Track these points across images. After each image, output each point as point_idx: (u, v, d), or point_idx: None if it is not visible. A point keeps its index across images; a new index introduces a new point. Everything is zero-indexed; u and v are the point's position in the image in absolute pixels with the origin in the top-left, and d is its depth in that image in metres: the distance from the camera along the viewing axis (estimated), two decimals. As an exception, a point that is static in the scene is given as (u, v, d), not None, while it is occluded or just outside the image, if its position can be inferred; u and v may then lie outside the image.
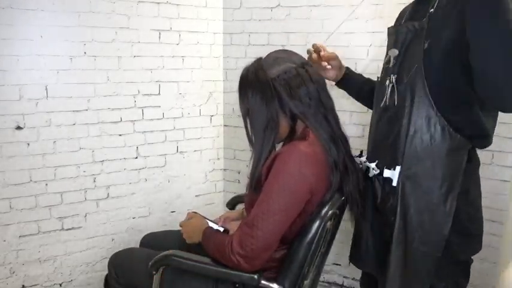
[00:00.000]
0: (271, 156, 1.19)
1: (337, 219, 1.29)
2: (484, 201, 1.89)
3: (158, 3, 2.12)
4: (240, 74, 1.27)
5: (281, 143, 1.32)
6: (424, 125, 1.15)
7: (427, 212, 1.18)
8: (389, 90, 1.23)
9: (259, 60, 1.26)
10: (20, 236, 1.92)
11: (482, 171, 1.83)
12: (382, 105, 1.26)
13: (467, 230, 1.24)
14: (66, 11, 1.88)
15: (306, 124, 1.22)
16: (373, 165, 1.28)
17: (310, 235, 1.17)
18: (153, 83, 2.16)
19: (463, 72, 1.09)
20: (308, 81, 1.21)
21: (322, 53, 1.49)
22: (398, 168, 1.20)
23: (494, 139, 1.75)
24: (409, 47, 1.21)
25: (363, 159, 1.36)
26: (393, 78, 1.22)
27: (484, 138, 1.20)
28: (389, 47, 1.30)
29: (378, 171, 1.26)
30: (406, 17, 1.31)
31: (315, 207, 1.20)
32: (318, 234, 1.17)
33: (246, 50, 2.32)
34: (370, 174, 1.30)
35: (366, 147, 1.40)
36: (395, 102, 1.21)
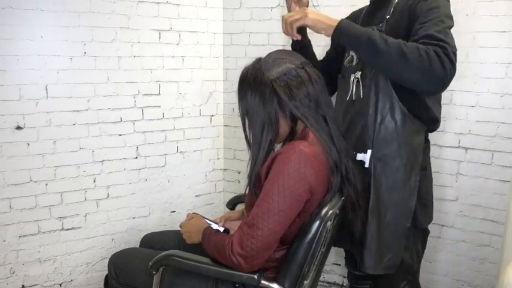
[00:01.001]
0: (271, 156, 1.19)
1: (337, 219, 1.29)
2: (484, 201, 1.90)
3: (158, 3, 2.12)
4: (240, 74, 1.27)
5: (281, 143, 1.32)
6: (389, 113, 1.35)
7: (396, 188, 1.38)
8: (354, 85, 1.41)
9: (258, 61, 1.26)
10: (20, 236, 1.92)
11: (482, 171, 1.85)
12: (348, 98, 1.44)
13: (426, 200, 1.48)
14: (66, 11, 1.88)
15: (306, 125, 1.22)
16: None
17: (310, 235, 1.18)
18: (153, 83, 2.16)
19: None
20: (307, 82, 1.21)
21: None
22: (369, 151, 1.38)
23: (494, 139, 1.77)
24: None
25: None
26: (358, 74, 1.40)
27: (435, 122, 1.43)
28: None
29: None
30: (362, 21, 1.49)
31: (314, 207, 1.20)
32: (318, 234, 1.17)
33: (246, 50, 2.32)
34: None
35: None
36: (361, 95, 1.39)
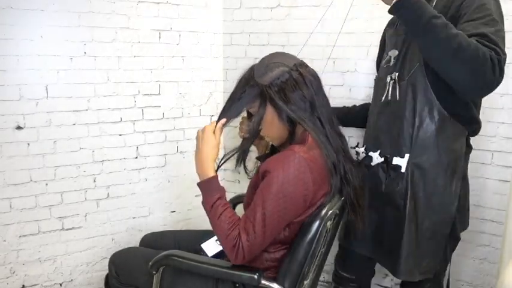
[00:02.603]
0: (270, 160, 1.19)
1: (337, 219, 1.29)
2: (484, 201, 1.90)
3: (158, 3, 2.12)
4: (237, 80, 1.28)
5: (281, 145, 1.32)
6: (428, 117, 1.30)
7: (436, 194, 1.34)
8: (390, 86, 1.37)
9: (251, 68, 1.26)
10: (20, 236, 1.92)
11: (482, 171, 1.85)
12: (383, 99, 1.39)
13: (463, 207, 1.45)
14: (66, 11, 1.88)
15: (304, 127, 1.22)
16: (376, 154, 1.42)
17: (310, 235, 1.18)
18: (153, 83, 2.16)
19: None
20: (302, 85, 1.21)
21: None
22: (407, 156, 1.34)
23: (494, 139, 1.77)
24: (409, 48, 1.33)
25: (361, 149, 1.48)
26: (395, 75, 1.36)
27: (476, 124, 1.38)
28: (389, 48, 1.43)
29: (382, 159, 1.40)
30: (401, 26, 1.42)
31: (314, 209, 1.20)
32: (318, 234, 1.17)
33: (246, 50, 2.32)
34: (373, 163, 1.42)
35: (363, 139, 1.51)
36: (398, 97, 1.35)
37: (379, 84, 1.46)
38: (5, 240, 1.89)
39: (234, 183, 2.46)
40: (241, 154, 1.31)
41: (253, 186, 1.23)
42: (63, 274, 2.06)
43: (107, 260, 1.52)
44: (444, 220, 1.38)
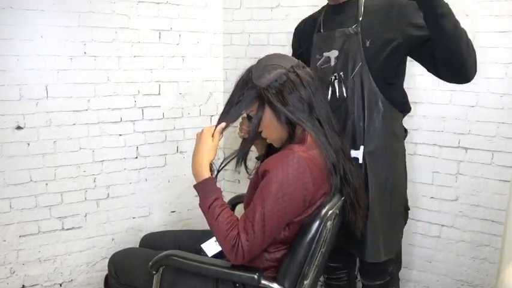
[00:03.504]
0: (269, 159, 1.19)
1: (337, 219, 1.29)
2: (484, 201, 1.90)
3: (158, 3, 2.12)
4: (235, 82, 1.28)
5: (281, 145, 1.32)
6: (375, 109, 1.42)
7: (390, 177, 1.46)
8: (336, 85, 1.46)
9: (249, 70, 1.26)
10: (20, 236, 1.92)
11: (482, 171, 1.85)
12: (330, 97, 1.47)
13: (406, 182, 1.58)
14: (66, 11, 1.88)
15: (303, 128, 1.22)
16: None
17: (310, 235, 1.17)
18: (153, 83, 2.16)
19: (403, 61, 1.45)
20: (299, 86, 1.21)
21: None
22: (361, 147, 1.44)
23: (494, 139, 1.77)
24: (349, 48, 1.43)
25: None
26: (341, 74, 1.45)
27: (408, 107, 1.55)
28: (324, 49, 1.51)
29: None
30: (324, 23, 1.54)
31: (314, 209, 1.20)
32: (318, 234, 1.17)
33: (246, 50, 2.32)
34: None
35: None
36: (345, 94, 1.44)
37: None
38: (5, 240, 1.89)
39: (234, 183, 2.46)
40: (241, 155, 1.31)
41: (253, 186, 1.23)
42: (63, 274, 2.06)
43: (107, 260, 1.52)
44: (401, 200, 1.53)
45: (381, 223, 1.46)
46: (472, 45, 1.28)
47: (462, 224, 1.93)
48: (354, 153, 1.44)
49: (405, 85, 2.00)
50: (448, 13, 1.21)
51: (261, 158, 1.46)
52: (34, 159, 1.90)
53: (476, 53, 1.30)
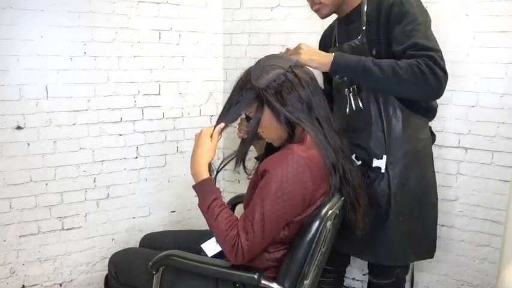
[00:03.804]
0: (269, 159, 1.19)
1: (337, 219, 1.29)
2: (484, 201, 1.90)
3: (158, 3, 2.12)
4: (234, 83, 1.28)
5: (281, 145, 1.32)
6: (393, 117, 1.42)
7: (418, 184, 1.46)
8: (351, 98, 1.47)
9: (248, 71, 1.26)
10: (20, 236, 1.92)
11: (482, 171, 1.85)
12: (348, 111, 1.49)
13: (435, 188, 1.58)
14: (66, 11, 1.88)
15: (302, 128, 1.22)
16: (352, 157, 1.48)
17: (310, 235, 1.18)
18: (153, 83, 2.16)
19: None
20: (298, 86, 1.21)
21: None
22: (385, 157, 1.44)
23: (494, 139, 1.77)
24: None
25: None
26: (354, 87, 1.46)
27: (433, 111, 1.52)
28: None
29: (360, 162, 1.48)
30: (338, 38, 1.56)
31: (314, 208, 1.20)
32: (318, 234, 1.17)
33: (246, 50, 2.32)
34: None
35: None
36: (361, 106, 1.45)
37: (339, 98, 1.56)
38: (5, 240, 1.89)
39: (234, 183, 2.46)
40: (240, 156, 1.32)
41: (253, 186, 1.23)
42: (63, 274, 2.06)
43: (107, 260, 1.52)
44: (428, 206, 1.52)
45: (406, 231, 1.47)
46: (403, 73, 1.27)
47: (462, 224, 1.93)
48: (376, 162, 1.45)
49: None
50: (367, 71, 1.29)
51: (260, 158, 1.46)
52: (34, 159, 1.90)
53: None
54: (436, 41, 1.35)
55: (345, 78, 1.49)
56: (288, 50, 1.39)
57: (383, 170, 1.44)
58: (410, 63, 1.27)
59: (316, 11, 1.48)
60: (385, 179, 1.45)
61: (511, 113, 1.77)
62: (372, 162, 1.45)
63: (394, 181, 1.44)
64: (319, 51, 1.40)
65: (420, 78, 1.26)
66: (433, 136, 1.58)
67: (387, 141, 1.43)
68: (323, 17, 1.50)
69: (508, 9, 1.72)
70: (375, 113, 1.44)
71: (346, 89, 1.49)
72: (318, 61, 1.34)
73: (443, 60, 1.30)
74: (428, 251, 1.57)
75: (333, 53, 1.35)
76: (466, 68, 1.82)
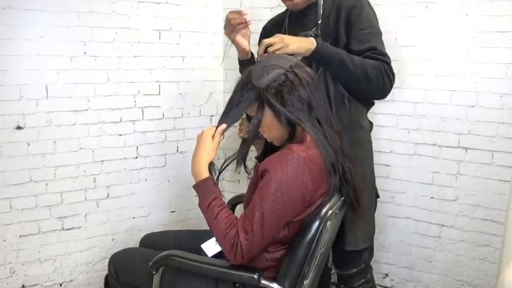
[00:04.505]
0: (269, 159, 1.19)
1: (337, 219, 1.29)
2: (484, 201, 1.90)
3: (158, 3, 2.12)
4: (236, 83, 1.28)
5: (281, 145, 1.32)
6: (341, 106, 1.51)
7: (362, 166, 1.52)
8: None
9: (249, 71, 1.26)
10: (20, 236, 1.92)
11: (482, 171, 1.85)
12: None
13: (373, 171, 1.68)
14: (66, 11, 1.88)
15: (303, 128, 1.22)
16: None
17: (310, 235, 1.17)
18: (153, 83, 2.16)
19: None
20: (298, 86, 1.21)
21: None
22: None
23: (494, 139, 1.77)
24: None
25: None
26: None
27: (372, 104, 1.65)
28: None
29: None
30: (289, 27, 1.62)
31: (314, 208, 1.20)
32: (318, 234, 1.17)
33: (246, 50, 2.32)
34: None
35: None
36: None
37: None
38: (5, 240, 1.89)
39: (234, 183, 2.46)
40: (241, 156, 1.32)
41: (253, 186, 1.23)
42: (63, 274, 2.06)
43: (107, 260, 1.52)
44: (371, 188, 1.64)
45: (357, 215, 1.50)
46: (370, 71, 1.40)
47: (462, 224, 1.93)
48: None
49: (405, 85, 2.00)
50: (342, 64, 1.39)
51: (259, 158, 1.46)
52: (34, 159, 1.90)
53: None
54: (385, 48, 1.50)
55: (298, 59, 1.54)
56: (272, 52, 1.37)
57: None
58: (375, 65, 1.41)
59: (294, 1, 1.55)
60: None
61: (511, 113, 1.78)
62: None
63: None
64: (300, 37, 1.44)
65: (381, 80, 1.41)
66: (371, 124, 1.68)
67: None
68: (295, 7, 1.56)
69: (508, 9, 1.72)
70: (325, 101, 1.48)
71: None
72: (303, 47, 1.38)
73: (392, 68, 1.46)
74: (369, 237, 1.64)
75: (315, 40, 1.40)
76: (466, 68, 1.82)
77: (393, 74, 1.45)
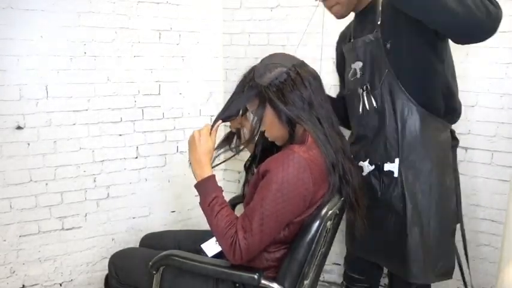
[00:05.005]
0: (270, 159, 1.19)
1: (337, 219, 1.29)
2: (484, 201, 1.90)
3: (158, 3, 2.12)
4: (238, 79, 1.29)
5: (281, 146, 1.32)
6: (409, 118, 1.33)
7: (433, 192, 1.34)
8: (365, 97, 1.39)
9: (252, 69, 1.27)
10: (20, 236, 1.92)
11: (482, 171, 1.85)
12: (361, 111, 1.42)
13: (458, 199, 1.46)
14: (66, 11, 1.88)
15: (303, 127, 1.22)
16: (366, 163, 1.42)
17: (310, 235, 1.17)
18: (153, 83, 2.16)
19: (427, 56, 1.29)
20: (300, 85, 1.21)
21: None
22: (397, 160, 1.35)
23: (494, 139, 1.77)
24: (373, 57, 1.37)
25: None
26: (367, 86, 1.38)
27: (455, 113, 1.41)
28: (351, 61, 1.46)
29: (373, 167, 1.41)
30: (353, 34, 1.48)
31: (314, 208, 1.20)
32: (318, 234, 1.17)
33: (246, 50, 2.32)
34: (364, 172, 1.43)
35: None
36: (375, 106, 1.37)
37: (352, 98, 1.48)
38: (5, 240, 1.89)
39: (234, 183, 2.47)
40: (237, 151, 1.33)
41: (253, 186, 1.23)
42: (63, 274, 2.06)
43: (107, 260, 1.52)
44: (447, 216, 1.38)
45: (422, 242, 1.34)
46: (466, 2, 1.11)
47: (462, 224, 1.93)
48: (388, 166, 1.37)
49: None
50: None
51: (250, 160, 1.47)
52: (34, 159, 1.90)
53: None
54: None
55: (357, 75, 1.41)
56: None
57: (396, 175, 1.35)
58: None
59: (332, 11, 1.41)
60: (399, 184, 1.35)
61: (511, 113, 1.78)
62: (383, 166, 1.38)
63: (408, 187, 1.34)
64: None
65: (480, 4, 1.11)
66: (454, 140, 1.44)
67: (400, 144, 1.34)
68: (340, 17, 1.43)
69: (508, 9, 1.72)
70: (390, 112, 1.34)
71: (360, 88, 1.41)
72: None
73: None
74: (447, 270, 1.41)
75: None
76: (466, 68, 1.82)
77: (497, 3, 1.15)
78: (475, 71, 1.81)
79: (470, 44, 1.30)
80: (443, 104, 1.36)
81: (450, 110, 1.39)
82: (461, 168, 1.89)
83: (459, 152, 1.88)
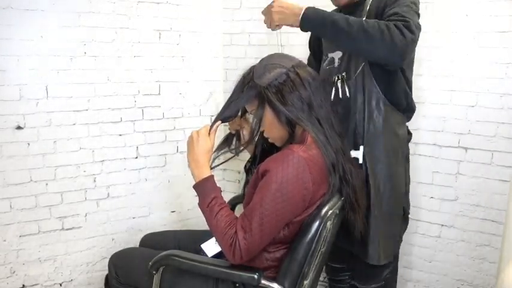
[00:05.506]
0: (269, 159, 1.19)
1: (337, 219, 1.29)
2: (484, 201, 1.90)
3: (158, 3, 2.12)
4: (237, 79, 1.29)
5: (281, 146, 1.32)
6: (376, 109, 1.43)
7: (390, 179, 1.47)
8: (339, 85, 1.47)
9: (251, 69, 1.27)
10: (20, 236, 1.92)
11: (482, 171, 1.85)
12: (333, 98, 1.47)
13: (407, 188, 1.59)
14: (66, 11, 1.88)
15: (303, 127, 1.22)
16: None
17: (310, 235, 1.18)
18: (153, 83, 2.16)
19: None
20: (299, 85, 1.21)
21: None
22: (361, 148, 1.45)
23: (494, 139, 1.77)
24: None
25: None
26: (343, 75, 1.47)
27: (412, 111, 1.55)
28: (329, 50, 1.54)
29: None
30: None
31: (314, 208, 1.20)
32: (318, 234, 1.17)
33: (246, 50, 2.32)
34: None
35: None
36: (348, 95, 1.46)
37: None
38: (5, 240, 1.89)
39: (234, 183, 2.46)
40: (237, 152, 1.33)
41: (253, 186, 1.23)
42: (63, 274, 2.06)
43: (107, 260, 1.52)
44: (398, 203, 1.52)
45: (379, 225, 1.46)
46: (370, 26, 1.27)
47: (462, 224, 1.93)
48: (354, 153, 1.45)
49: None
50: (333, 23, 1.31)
51: (250, 162, 1.47)
52: (34, 159, 1.90)
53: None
54: (418, 20, 1.35)
55: (335, 64, 1.50)
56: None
57: (360, 161, 1.45)
58: (379, 22, 1.28)
59: None
60: (364, 170, 1.45)
61: (511, 113, 1.78)
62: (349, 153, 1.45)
63: (371, 174, 1.45)
64: (291, 3, 1.40)
65: (387, 34, 1.25)
66: (409, 135, 1.59)
67: (365, 132, 1.44)
68: (337, 4, 1.53)
69: (508, 9, 1.72)
70: (361, 102, 1.44)
71: (335, 76, 1.49)
72: (292, 18, 1.36)
73: (417, 27, 1.29)
74: (390, 253, 1.54)
75: (305, 7, 1.37)
76: (466, 68, 1.82)
77: (411, 31, 1.26)
78: (475, 71, 1.81)
79: (394, 68, 1.42)
80: (405, 102, 1.49)
81: (409, 107, 1.52)
82: (461, 168, 1.90)
83: (459, 152, 1.90)
